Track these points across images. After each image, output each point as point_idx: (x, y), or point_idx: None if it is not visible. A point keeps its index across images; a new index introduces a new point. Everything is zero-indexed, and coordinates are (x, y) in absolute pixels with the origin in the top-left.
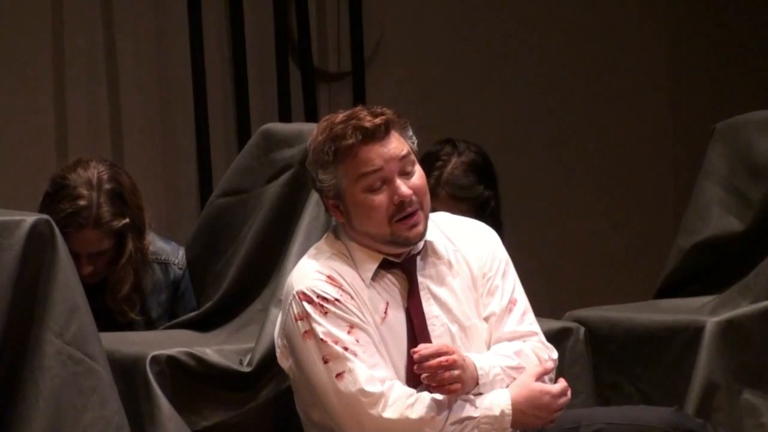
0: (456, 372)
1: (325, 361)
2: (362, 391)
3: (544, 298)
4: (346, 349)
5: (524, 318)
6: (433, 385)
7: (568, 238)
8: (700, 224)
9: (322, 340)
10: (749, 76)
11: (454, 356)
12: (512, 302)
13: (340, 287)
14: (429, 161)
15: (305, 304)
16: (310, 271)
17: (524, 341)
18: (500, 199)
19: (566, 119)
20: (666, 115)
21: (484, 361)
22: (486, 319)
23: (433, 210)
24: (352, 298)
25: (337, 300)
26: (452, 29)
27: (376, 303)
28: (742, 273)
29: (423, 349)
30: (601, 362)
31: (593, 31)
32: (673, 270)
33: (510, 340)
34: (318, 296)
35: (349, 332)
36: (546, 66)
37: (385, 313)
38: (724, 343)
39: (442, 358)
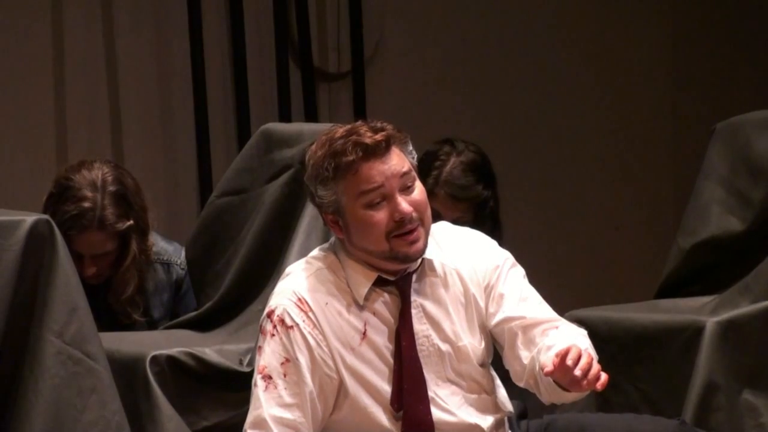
0: (596, 363)
1: (259, 373)
2: (254, 422)
3: (545, 298)
4: (269, 377)
5: (543, 305)
6: (594, 384)
7: (568, 239)
8: (700, 224)
9: (260, 358)
10: (749, 76)
11: (586, 352)
12: (522, 299)
13: (306, 313)
14: (428, 161)
15: (267, 320)
16: (288, 288)
17: (557, 327)
18: (499, 199)
19: (566, 119)
20: (666, 115)
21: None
22: (503, 323)
23: (433, 209)
24: (314, 326)
25: (293, 327)
26: (452, 29)
27: (354, 325)
28: (742, 273)
29: (563, 359)
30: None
31: (594, 31)
32: (673, 270)
33: (540, 324)
34: (278, 317)
35: (282, 363)
36: (546, 66)
37: (364, 334)
38: (724, 343)
39: (585, 359)
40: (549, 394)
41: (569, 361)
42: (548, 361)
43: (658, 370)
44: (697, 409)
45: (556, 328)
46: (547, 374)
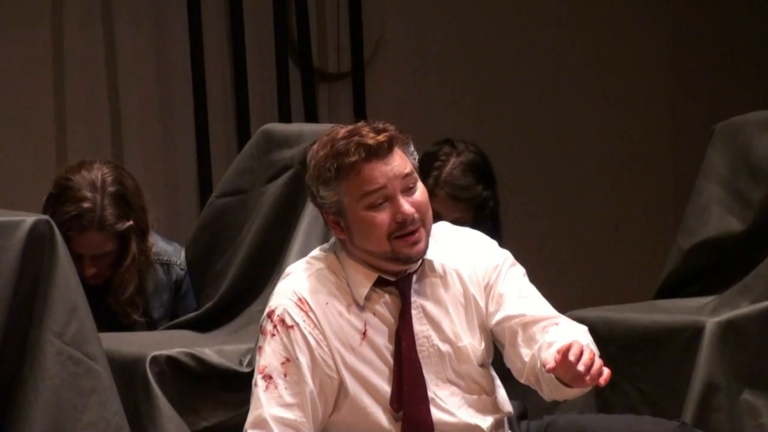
0: (598, 359)
1: (260, 372)
2: (255, 422)
3: (545, 297)
4: (270, 377)
5: (542, 303)
6: (597, 379)
7: (568, 239)
8: (699, 225)
9: (261, 358)
10: (749, 77)
11: (588, 348)
12: (522, 297)
13: (306, 313)
14: (428, 161)
15: (267, 320)
16: (288, 288)
17: (557, 324)
18: (499, 199)
19: (566, 119)
20: (666, 115)
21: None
22: (503, 321)
23: (433, 210)
24: (315, 326)
25: (293, 326)
26: (452, 29)
27: (354, 325)
28: (742, 273)
29: (565, 355)
30: None
31: (594, 32)
32: (673, 270)
33: (540, 321)
34: (278, 317)
35: (282, 363)
36: (545, 66)
37: (364, 334)
38: (723, 344)
39: (587, 355)
40: (551, 390)
41: (572, 357)
42: (550, 357)
43: (658, 371)
44: (697, 409)
45: (557, 324)
46: (549, 371)
